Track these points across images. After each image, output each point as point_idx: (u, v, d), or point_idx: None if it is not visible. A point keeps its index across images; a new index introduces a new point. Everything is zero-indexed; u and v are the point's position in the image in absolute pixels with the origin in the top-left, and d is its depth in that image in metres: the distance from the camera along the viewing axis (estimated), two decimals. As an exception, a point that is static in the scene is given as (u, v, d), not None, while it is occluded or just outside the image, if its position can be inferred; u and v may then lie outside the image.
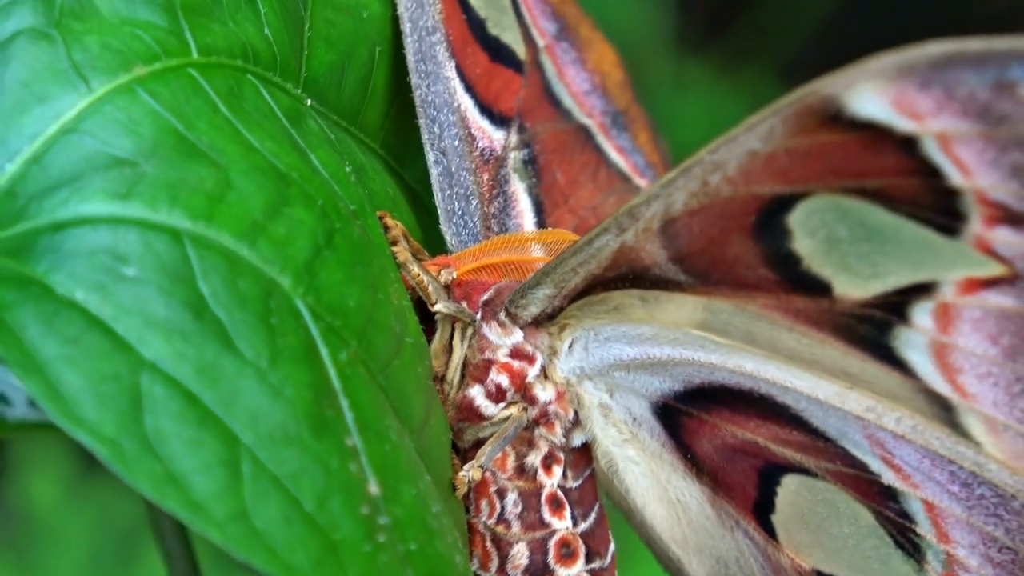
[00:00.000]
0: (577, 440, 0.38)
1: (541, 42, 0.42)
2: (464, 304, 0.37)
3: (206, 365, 0.31)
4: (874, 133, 0.34)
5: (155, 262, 0.32)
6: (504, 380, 0.37)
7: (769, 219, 0.35)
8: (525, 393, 0.37)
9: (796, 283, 0.36)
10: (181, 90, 0.34)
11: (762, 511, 0.38)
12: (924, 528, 0.37)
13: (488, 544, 0.37)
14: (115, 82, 0.33)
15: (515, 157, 0.40)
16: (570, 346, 0.37)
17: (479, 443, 0.37)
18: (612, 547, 0.38)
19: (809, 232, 0.35)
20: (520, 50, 0.41)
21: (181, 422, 0.30)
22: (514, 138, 0.41)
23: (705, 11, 1.35)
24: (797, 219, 0.35)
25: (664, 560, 0.39)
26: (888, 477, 0.37)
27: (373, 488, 0.32)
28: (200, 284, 0.32)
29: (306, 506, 0.31)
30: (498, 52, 0.41)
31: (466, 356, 0.37)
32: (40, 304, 0.31)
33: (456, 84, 0.39)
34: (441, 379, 0.37)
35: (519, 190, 0.40)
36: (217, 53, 0.35)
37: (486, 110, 0.40)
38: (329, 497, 0.31)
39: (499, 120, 0.40)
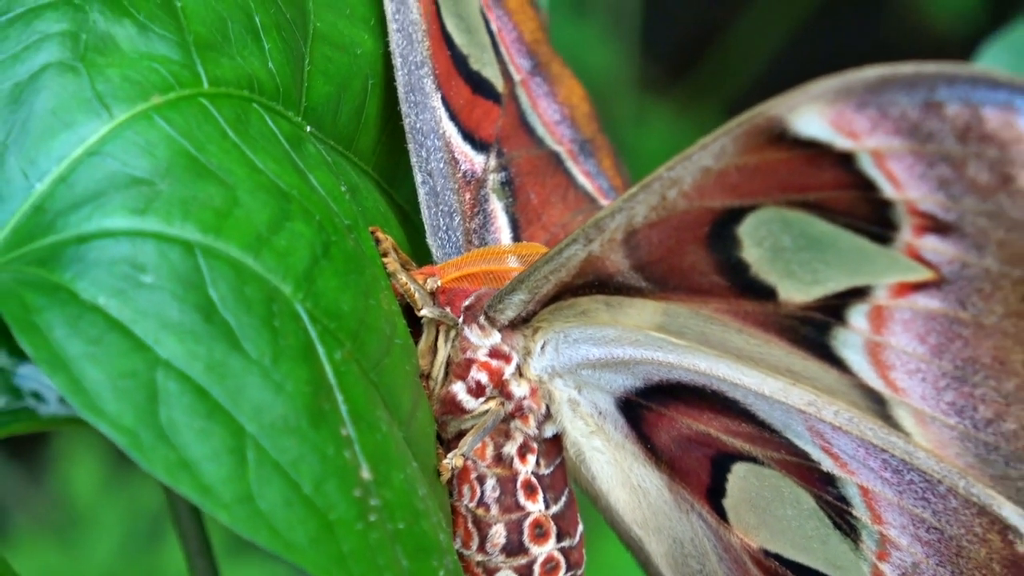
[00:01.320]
0: (549, 432, 0.38)
1: (517, 77, 0.42)
2: (448, 309, 0.37)
3: (215, 363, 0.31)
4: (815, 150, 0.33)
5: (169, 271, 0.31)
6: (483, 377, 0.37)
7: (721, 230, 0.35)
8: (502, 389, 0.37)
9: (745, 288, 0.36)
10: (193, 117, 0.33)
11: (714, 496, 0.38)
12: (860, 511, 0.37)
13: (469, 525, 0.37)
14: (134, 110, 0.33)
15: (494, 179, 0.40)
16: (542, 347, 0.37)
17: (461, 434, 0.37)
18: (580, 528, 0.38)
19: (756, 242, 0.35)
20: (498, 84, 0.41)
21: (192, 414, 0.30)
22: (493, 162, 0.40)
23: (666, 56, 1.35)
24: (746, 230, 0.35)
25: (626, 540, 0.38)
26: (827, 464, 0.36)
27: (365, 473, 0.32)
28: (210, 291, 0.31)
29: (305, 489, 0.31)
30: (479, 85, 0.41)
31: (449, 355, 0.37)
32: (66, 308, 0.30)
33: (441, 113, 0.39)
34: (427, 376, 0.37)
35: (497, 208, 0.40)
36: (226, 84, 0.34)
37: (468, 137, 0.40)
38: (325, 481, 0.31)
39: (480, 146, 0.40)
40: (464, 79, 0.40)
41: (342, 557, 0.30)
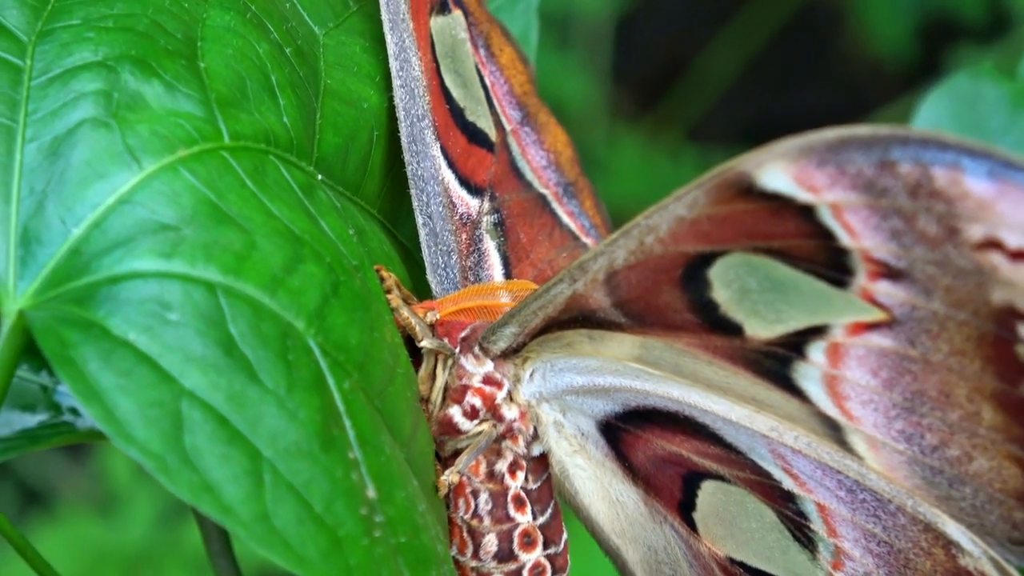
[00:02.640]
0: (536, 451, 0.37)
1: (508, 127, 0.42)
2: (446, 340, 0.36)
3: (235, 393, 0.30)
4: (779, 203, 0.33)
5: (193, 309, 0.31)
6: (478, 402, 0.36)
7: (693, 273, 0.34)
8: (494, 413, 0.36)
9: (715, 325, 0.35)
10: (215, 169, 0.33)
11: (685, 509, 0.37)
12: (817, 525, 0.36)
13: (464, 535, 0.37)
14: (161, 162, 0.32)
15: (487, 220, 0.40)
16: (531, 375, 0.37)
17: (457, 453, 0.36)
18: (565, 536, 0.38)
19: (726, 284, 0.34)
20: (492, 133, 0.41)
21: (214, 440, 0.30)
22: (487, 205, 0.40)
23: (636, 86, 1.35)
24: (716, 273, 0.34)
25: (605, 547, 0.38)
26: (787, 484, 0.36)
27: (370, 492, 0.31)
28: (230, 327, 0.31)
29: (316, 508, 0.30)
30: (475, 135, 0.40)
31: (447, 382, 0.36)
32: (99, 343, 0.30)
33: (440, 161, 0.39)
34: (426, 400, 0.36)
35: (490, 247, 0.40)
36: (245, 138, 0.34)
37: (464, 182, 0.39)
38: (335, 500, 0.30)
39: (475, 190, 0.40)
40: (461, 130, 0.40)
41: (349, 570, 0.30)
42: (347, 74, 0.38)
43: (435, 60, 0.39)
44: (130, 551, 1.03)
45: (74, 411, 0.40)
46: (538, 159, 0.42)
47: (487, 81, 0.41)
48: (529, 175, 0.42)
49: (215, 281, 0.31)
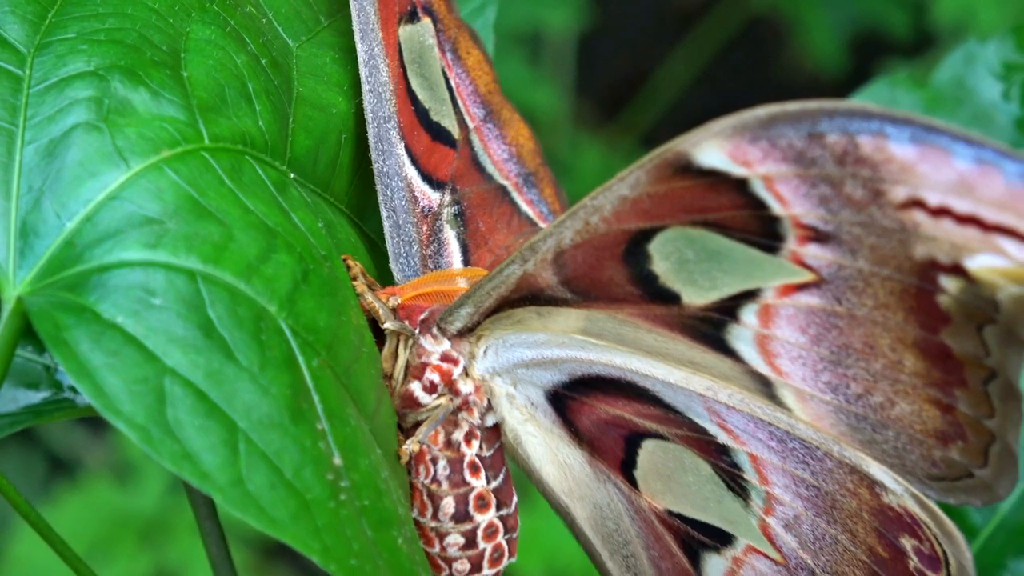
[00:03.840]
0: (490, 421, 0.37)
1: (471, 124, 0.41)
2: (406, 322, 0.36)
3: (213, 371, 0.30)
4: (715, 178, 0.32)
5: (176, 295, 0.30)
6: (436, 378, 0.36)
7: (634, 248, 0.34)
8: (451, 387, 0.36)
9: (654, 295, 0.35)
10: (196, 168, 0.32)
11: (627, 468, 0.37)
12: (749, 475, 0.36)
13: (425, 498, 0.36)
14: (147, 162, 0.32)
15: (448, 212, 0.39)
16: (484, 351, 0.36)
17: (417, 424, 0.36)
18: (515, 499, 0.38)
19: (664, 256, 0.34)
20: (455, 131, 0.40)
21: (194, 413, 0.29)
22: (448, 198, 0.39)
23: (597, 96, 1.35)
24: (655, 247, 0.34)
25: (556, 507, 0.38)
26: (722, 438, 0.36)
27: (337, 460, 0.31)
28: (209, 311, 0.30)
29: (286, 474, 0.30)
30: (438, 134, 0.40)
31: (408, 360, 0.36)
32: (90, 326, 0.30)
33: (404, 159, 0.38)
34: (389, 377, 0.36)
35: (450, 237, 0.39)
36: (223, 140, 0.33)
37: (427, 178, 0.39)
38: (303, 467, 0.30)
39: (436, 185, 0.39)
40: (425, 129, 0.39)
41: (317, 530, 0.29)
42: (318, 82, 0.37)
43: (402, 66, 0.39)
44: (144, 516, 1.02)
45: (73, 389, 0.40)
46: (500, 152, 0.41)
47: (452, 83, 0.41)
48: (490, 168, 0.41)
49: (196, 269, 0.31)
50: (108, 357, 0.29)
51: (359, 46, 0.38)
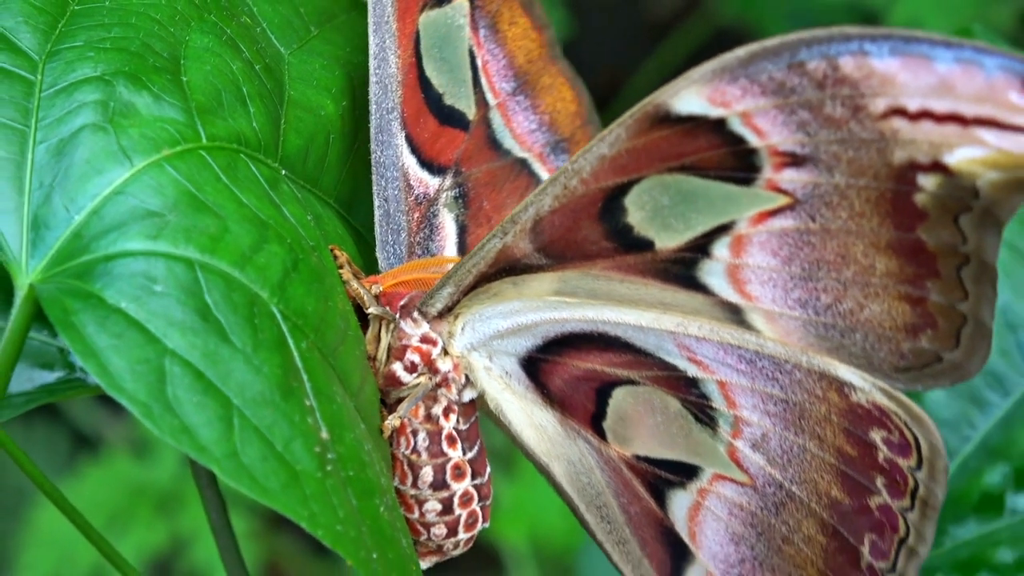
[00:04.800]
0: (467, 396, 0.36)
1: (494, 101, 0.39)
2: (388, 308, 0.36)
3: (210, 352, 0.30)
4: (692, 124, 0.32)
5: (175, 282, 0.30)
6: (416, 358, 0.36)
7: (610, 204, 0.33)
8: (431, 366, 0.36)
9: (628, 246, 0.34)
10: (194, 165, 0.32)
11: (597, 420, 0.36)
12: (718, 402, 0.35)
13: (405, 468, 0.36)
14: (149, 159, 0.32)
15: (447, 195, 0.38)
16: (462, 328, 0.36)
17: (399, 400, 0.36)
18: (488, 469, 0.37)
19: (640, 206, 0.33)
20: (471, 112, 0.38)
21: (192, 391, 0.29)
22: (448, 181, 0.38)
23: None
24: (631, 199, 0.33)
25: (538, 466, 0.37)
26: (692, 371, 0.35)
27: (324, 434, 0.31)
28: (206, 297, 0.30)
29: (277, 447, 0.30)
30: (449, 117, 0.38)
31: (390, 343, 0.36)
32: (96, 311, 0.30)
33: (403, 149, 0.37)
34: (373, 359, 0.36)
35: (447, 220, 0.38)
36: (220, 139, 0.33)
37: (427, 164, 0.38)
38: (293, 441, 0.30)
39: (437, 170, 0.38)
40: (435, 115, 0.38)
41: (305, 498, 0.29)
42: (307, 87, 0.37)
43: (417, 55, 0.38)
44: (160, 488, 1.02)
45: (84, 369, 0.39)
46: (526, 124, 0.40)
47: (479, 61, 0.39)
48: (508, 143, 0.39)
49: (194, 258, 0.31)
50: (112, 339, 0.29)
51: (371, 39, 0.37)
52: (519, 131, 0.40)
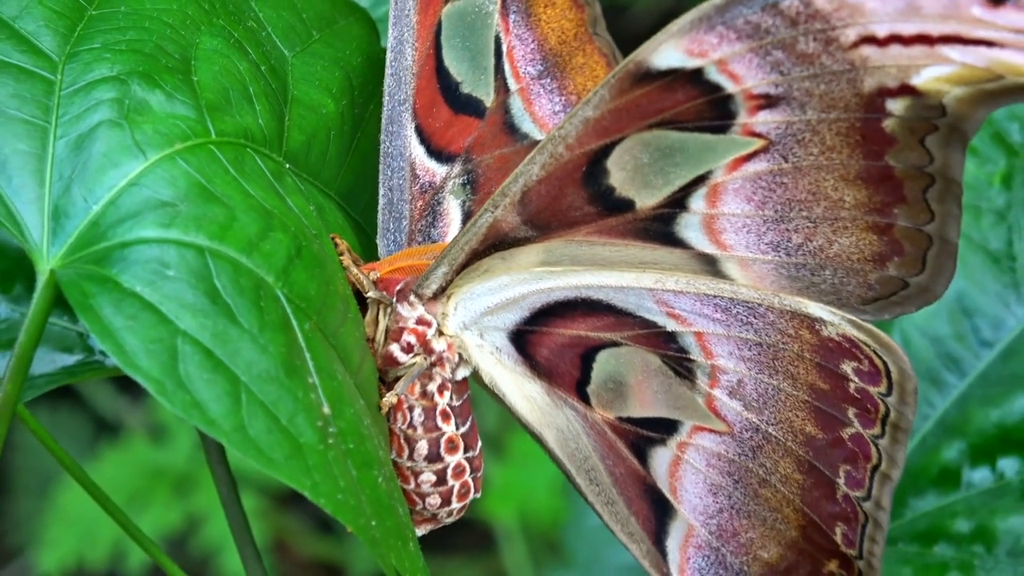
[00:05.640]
0: (460, 374, 0.36)
1: (515, 86, 0.38)
2: (385, 292, 0.35)
3: (219, 332, 0.30)
4: (670, 77, 0.31)
5: (186, 267, 0.30)
6: (412, 339, 0.35)
7: (593, 168, 0.32)
8: (426, 347, 0.35)
9: (610, 208, 0.33)
10: (204, 159, 0.32)
11: (582, 387, 0.36)
12: (695, 354, 0.35)
13: (402, 441, 0.36)
14: (162, 153, 0.32)
15: (453, 183, 0.37)
16: (455, 308, 0.35)
17: (396, 379, 0.36)
18: (480, 443, 0.37)
19: (621, 167, 0.32)
20: (489, 99, 0.37)
21: (202, 368, 0.29)
22: (457, 169, 0.37)
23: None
24: (613, 160, 0.32)
25: (532, 435, 0.37)
26: (671, 326, 0.34)
27: (326, 409, 0.31)
28: (215, 281, 0.30)
29: (282, 421, 0.30)
30: (465, 106, 0.37)
31: (387, 325, 0.35)
32: (113, 294, 0.30)
33: (412, 139, 0.37)
34: (372, 340, 0.36)
35: (452, 207, 0.37)
36: (228, 135, 0.33)
37: (435, 153, 0.37)
38: (297, 415, 0.30)
39: (446, 159, 0.37)
40: (449, 104, 0.37)
41: (308, 469, 0.29)
42: (310, 87, 0.37)
43: (437, 45, 0.37)
44: (176, 470, 1.02)
45: (103, 352, 0.39)
46: (549, 107, 0.38)
47: (505, 47, 0.38)
48: (527, 127, 0.38)
49: (204, 245, 0.31)
50: (128, 320, 0.29)
51: (391, 31, 0.36)
52: (541, 114, 0.38)
